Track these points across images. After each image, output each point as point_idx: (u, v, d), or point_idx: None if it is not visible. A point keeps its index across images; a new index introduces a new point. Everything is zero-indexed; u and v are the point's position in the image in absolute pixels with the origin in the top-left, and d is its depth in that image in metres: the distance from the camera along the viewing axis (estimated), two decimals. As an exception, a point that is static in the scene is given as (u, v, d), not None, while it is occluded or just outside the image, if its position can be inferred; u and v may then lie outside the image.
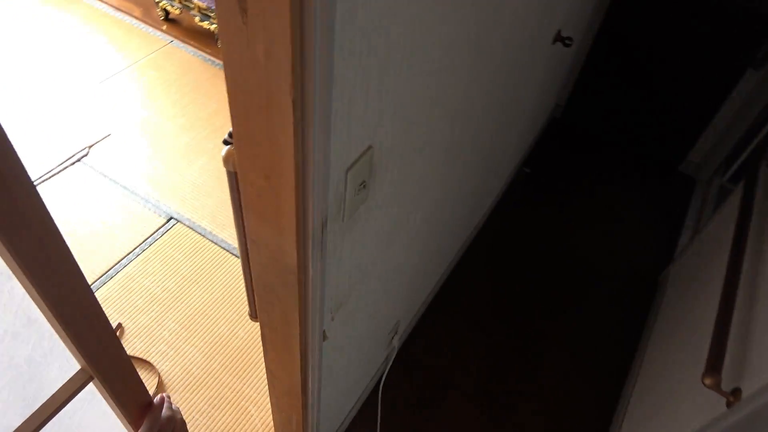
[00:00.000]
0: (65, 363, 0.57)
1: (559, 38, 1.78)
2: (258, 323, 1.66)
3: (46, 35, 2.94)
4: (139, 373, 1.82)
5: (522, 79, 1.67)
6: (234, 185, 0.85)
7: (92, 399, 0.64)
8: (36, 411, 0.56)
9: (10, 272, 0.44)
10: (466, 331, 2.08)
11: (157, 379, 1.79)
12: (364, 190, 0.86)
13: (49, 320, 0.51)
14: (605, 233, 2.49)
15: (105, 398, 0.63)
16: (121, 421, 0.66)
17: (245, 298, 2.02)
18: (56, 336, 0.54)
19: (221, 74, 2.84)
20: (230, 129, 0.80)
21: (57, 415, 0.58)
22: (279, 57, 0.55)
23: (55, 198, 2.24)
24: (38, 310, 0.49)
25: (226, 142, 0.79)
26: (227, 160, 0.81)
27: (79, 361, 0.58)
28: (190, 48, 2.97)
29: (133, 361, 1.83)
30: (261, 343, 1.89)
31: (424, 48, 0.82)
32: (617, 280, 2.32)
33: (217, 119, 2.62)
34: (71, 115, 2.56)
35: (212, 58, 2.92)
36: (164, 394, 0.72)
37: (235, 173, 0.80)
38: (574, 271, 2.32)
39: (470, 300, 2.18)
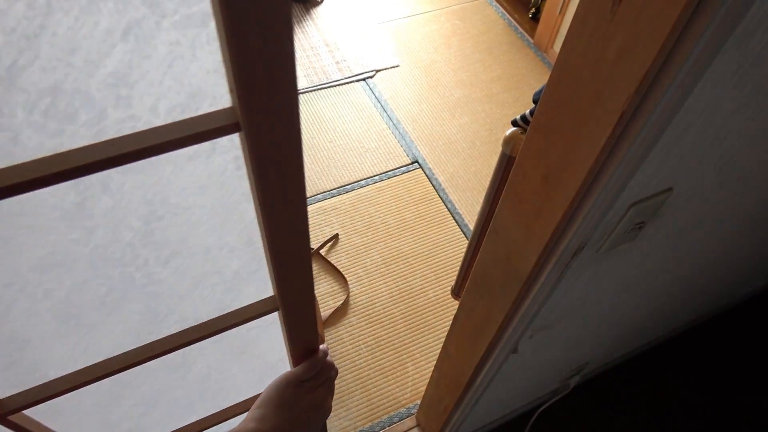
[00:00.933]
0: (262, 286, 0.60)
1: None
2: (456, 302, 1.64)
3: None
4: (333, 285, 1.94)
5: None
6: (503, 167, 0.80)
7: (271, 323, 0.66)
8: (223, 315, 0.59)
9: (251, 196, 0.45)
10: (646, 407, 1.82)
11: (345, 296, 1.92)
12: (637, 231, 0.74)
13: (264, 247, 0.52)
14: None
15: (281, 329, 0.65)
16: (287, 352, 0.68)
17: (451, 265, 2.02)
18: (264, 261, 0.56)
19: (518, 43, 2.78)
20: (524, 112, 0.75)
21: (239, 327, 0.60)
22: (633, 62, 0.46)
23: (329, 103, 2.46)
24: (259, 235, 0.51)
25: (515, 124, 0.73)
26: (508, 141, 0.75)
27: (273, 290, 0.60)
28: (500, 9, 2.94)
29: (332, 274, 1.97)
30: (447, 316, 1.89)
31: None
32: None
33: (495, 85, 2.59)
34: (375, 38, 2.75)
35: (516, 25, 2.86)
36: (326, 346, 0.72)
37: (510, 157, 0.75)
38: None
39: (668, 380, 1.88)
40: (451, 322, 1.88)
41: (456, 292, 1.13)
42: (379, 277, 1.98)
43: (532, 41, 2.78)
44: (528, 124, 0.93)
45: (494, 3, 2.97)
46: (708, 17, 0.42)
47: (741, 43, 0.47)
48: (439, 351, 1.83)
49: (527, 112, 0.75)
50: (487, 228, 0.96)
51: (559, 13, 2.50)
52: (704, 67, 0.45)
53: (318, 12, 2.83)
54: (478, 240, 0.92)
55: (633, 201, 0.66)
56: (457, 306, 1.89)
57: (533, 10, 2.82)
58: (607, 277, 0.90)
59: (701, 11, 0.42)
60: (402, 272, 2.00)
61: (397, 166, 2.28)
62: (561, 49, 0.53)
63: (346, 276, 1.96)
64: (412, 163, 2.30)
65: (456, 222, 2.13)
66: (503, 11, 2.93)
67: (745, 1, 0.42)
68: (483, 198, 0.88)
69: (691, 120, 0.54)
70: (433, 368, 1.80)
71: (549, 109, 0.58)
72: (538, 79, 2.62)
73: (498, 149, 2.32)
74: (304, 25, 2.76)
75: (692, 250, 1.02)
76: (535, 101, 0.81)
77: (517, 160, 0.67)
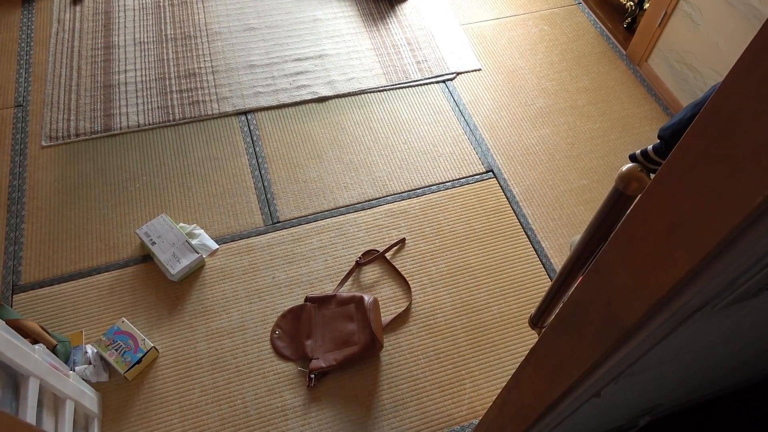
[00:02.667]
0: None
1: None
2: (533, 331, 1.56)
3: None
4: (396, 291, 1.90)
5: None
6: (613, 203, 0.72)
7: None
8: None
9: None
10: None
11: (408, 303, 1.87)
12: (763, 290, 0.65)
13: None
14: None
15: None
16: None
17: (519, 282, 1.94)
18: None
19: (609, 53, 2.64)
20: (646, 147, 0.68)
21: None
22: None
23: (406, 103, 2.42)
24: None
25: (633, 159, 0.66)
26: (625, 178, 0.68)
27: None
28: (593, 17, 2.80)
29: (396, 278, 1.93)
30: (510, 336, 1.81)
31: None
32: None
33: (581, 97, 2.47)
34: (458, 39, 2.68)
35: (608, 35, 2.72)
36: None
37: (624, 195, 0.68)
38: None
39: (748, 426, 1.73)
40: (514, 343, 1.81)
41: (535, 323, 1.06)
42: (443, 287, 1.92)
43: (624, 53, 2.63)
44: (648, 161, 0.86)
45: (586, 9, 2.83)
46: None
47: None
48: (499, 371, 1.77)
49: (650, 147, 0.68)
50: (583, 263, 0.89)
51: (659, 26, 2.35)
52: None
53: (402, 9, 2.78)
54: (570, 273, 0.85)
55: (770, 261, 0.58)
56: (524, 331, 1.82)
57: (629, 19, 2.67)
58: (714, 331, 0.81)
59: None
60: (467, 284, 1.93)
61: (471, 173, 2.21)
62: (720, 88, 0.46)
63: (410, 282, 1.92)
64: (487, 171, 2.22)
65: (528, 237, 2.05)
66: (596, 19, 2.79)
67: None
68: (585, 230, 0.81)
69: None
70: (491, 389, 1.73)
71: (691, 153, 0.51)
72: (627, 93, 2.48)
73: (579, 165, 2.21)
74: (388, 22, 2.72)
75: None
76: (661, 137, 0.73)
77: (638, 202, 0.60)
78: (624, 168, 0.69)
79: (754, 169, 0.45)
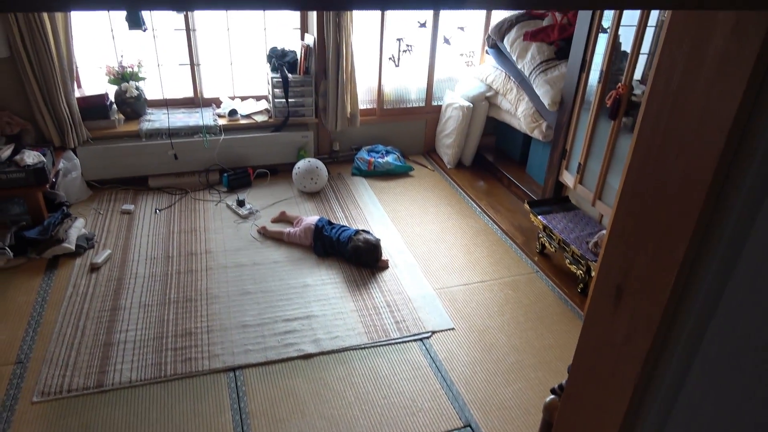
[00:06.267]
0: None
1: None
2: None
3: (445, 238, 3.60)
4: None
5: None
6: (545, 429, 0.87)
7: None
8: None
9: None
10: None
11: None
12: None
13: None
14: None
15: None
16: None
17: None
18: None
19: (568, 314, 2.92)
20: (562, 381, 0.85)
21: None
22: (637, 348, 0.59)
23: (386, 360, 2.58)
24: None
25: (553, 392, 0.83)
26: (547, 408, 0.84)
27: None
28: (550, 283, 3.18)
29: None
30: None
31: None
32: None
33: (548, 353, 2.67)
34: (433, 302, 2.99)
35: (566, 298, 3.05)
36: None
37: (550, 423, 0.83)
38: None
39: None
40: None
41: None
42: None
43: (582, 314, 2.92)
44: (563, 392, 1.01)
45: (544, 277, 3.22)
46: (687, 312, 0.55)
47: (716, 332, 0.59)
48: None
49: (564, 381, 0.84)
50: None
51: (606, 290, 2.68)
52: (690, 358, 0.57)
53: (383, 276, 3.15)
54: None
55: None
56: None
57: (581, 285, 3.04)
58: None
59: (682, 309, 0.55)
60: None
61: (449, 429, 2.27)
62: (581, 333, 0.67)
63: None
64: (465, 426, 2.28)
65: (510, 496, 2.01)
66: (553, 285, 3.16)
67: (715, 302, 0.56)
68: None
69: (692, 391, 0.63)
70: None
71: (575, 381, 0.69)
72: (590, 350, 2.69)
73: (552, 419, 2.27)
74: (370, 287, 3.06)
75: None
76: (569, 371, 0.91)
77: (554, 426, 0.76)
78: (547, 400, 0.85)
79: (614, 389, 0.63)
